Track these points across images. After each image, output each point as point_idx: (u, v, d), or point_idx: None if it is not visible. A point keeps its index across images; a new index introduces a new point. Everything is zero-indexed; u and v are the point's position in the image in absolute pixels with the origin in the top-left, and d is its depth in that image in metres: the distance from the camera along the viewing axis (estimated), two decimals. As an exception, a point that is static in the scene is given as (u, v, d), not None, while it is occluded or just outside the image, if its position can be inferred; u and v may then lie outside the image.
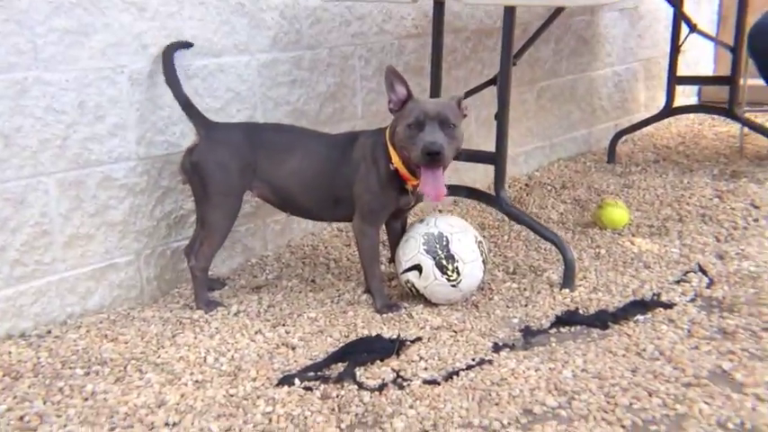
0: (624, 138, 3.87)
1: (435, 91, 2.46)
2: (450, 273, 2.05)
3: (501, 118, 2.29)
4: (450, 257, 2.05)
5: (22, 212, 1.90)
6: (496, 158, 2.30)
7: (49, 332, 1.95)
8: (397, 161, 2.00)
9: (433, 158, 1.89)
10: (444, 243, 2.06)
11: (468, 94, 2.53)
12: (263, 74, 2.36)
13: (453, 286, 2.07)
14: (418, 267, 2.06)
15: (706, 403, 1.61)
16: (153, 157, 2.14)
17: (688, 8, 3.63)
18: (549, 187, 3.24)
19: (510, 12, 2.18)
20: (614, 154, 3.67)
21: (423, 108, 1.92)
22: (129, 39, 2.03)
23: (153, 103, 2.11)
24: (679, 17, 3.51)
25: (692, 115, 4.47)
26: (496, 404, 1.63)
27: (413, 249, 2.08)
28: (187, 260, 2.11)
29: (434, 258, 2.05)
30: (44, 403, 1.60)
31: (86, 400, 1.63)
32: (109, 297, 2.11)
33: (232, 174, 2.03)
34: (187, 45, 2.14)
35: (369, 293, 2.17)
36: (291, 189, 2.08)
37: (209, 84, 2.23)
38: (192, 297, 2.12)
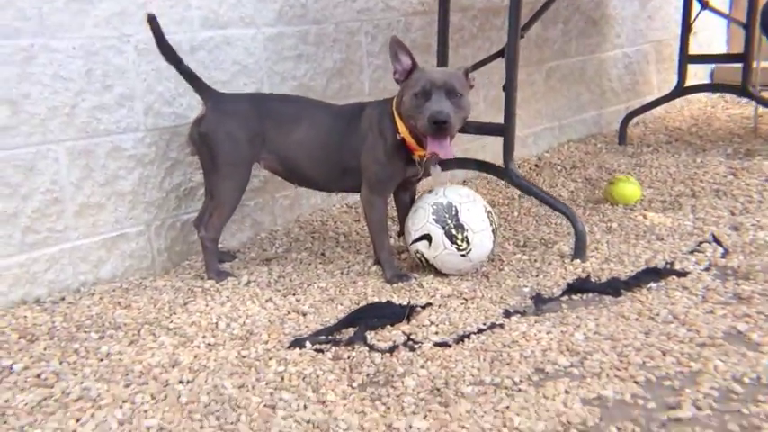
0: (635, 120, 3.84)
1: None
2: (459, 242, 2.04)
3: (509, 90, 2.27)
4: (460, 227, 2.04)
5: (32, 179, 1.91)
6: (505, 130, 2.29)
7: (63, 299, 1.96)
8: (403, 131, 1.99)
9: (440, 127, 1.88)
10: (453, 212, 2.05)
11: (476, 67, 2.51)
12: (269, 48, 2.36)
13: (463, 256, 2.05)
14: (428, 237, 2.05)
15: (721, 360, 1.59)
16: (161, 128, 2.14)
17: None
18: (560, 167, 3.22)
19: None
20: (625, 136, 3.64)
21: (429, 77, 1.91)
22: (134, 8, 2.04)
23: (160, 74, 2.12)
24: (689, -6, 3.48)
25: (704, 98, 4.44)
26: (508, 364, 1.61)
27: (422, 219, 2.06)
28: (197, 231, 2.10)
29: (444, 228, 2.04)
30: (60, 363, 1.62)
31: (101, 360, 1.64)
32: (121, 267, 2.11)
33: (241, 144, 2.02)
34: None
35: (378, 265, 2.16)
36: (299, 159, 2.07)
37: (215, 56, 2.23)
38: (203, 268, 2.12)
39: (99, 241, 2.06)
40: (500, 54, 2.39)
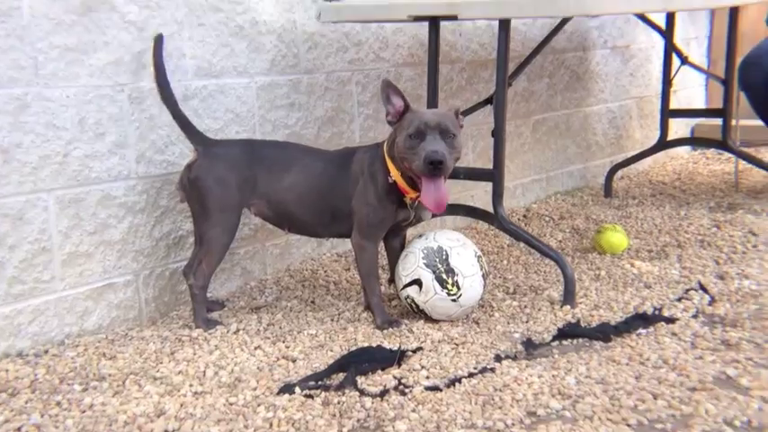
0: (620, 174, 3.90)
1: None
2: (450, 287, 2.04)
3: (497, 135, 2.31)
4: (450, 271, 2.05)
5: (21, 229, 1.91)
6: (494, 175, 2.32)
7: (47, 351, 1.93)
8: (395, 173, 2.01)
9: (436, 167, 1.89)
10: (444, 257, 2.06)
11: (465, 114, 2.56)
12: (261, 96, 2.40)
13: (453, 300, 2.06)
14: (418, 282, 2.05)
15: (711, 404, 1.58)
16: (152, 176, 2.16)
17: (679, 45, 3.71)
18: (548, 218, 3.26)
19: (505, 26, 2.23)
20: (611, 188, 3.69)
21: (423, 118, 1.94)
22: (129, 57, 2.07)
23: (152, 122, 2.14)
24: (670, 49, 3.58)
25: (686, 154, 4.53)
26: (500, 407, 1.60)
27: (412, 264, 2.07)
28: (186, 279, 2.10)
29: (434, 272, 2.04)
30: (41, 416, 1.58)
31: (84, 411, 1.61)
32: (107, 317, 2.09)
33: (231, 189, 2.03)
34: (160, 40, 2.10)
35: (369, 311, 2.15)
36: (289, 204, 2.08)
37: (208, 104, 2.27)
38: (191, 318, 2.10)
39: (86, 291, 2.04)
40: (488, 101, 2.45)
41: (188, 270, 2.10)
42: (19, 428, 1.53)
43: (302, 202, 2.08)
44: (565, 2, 2.10)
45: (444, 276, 2.04)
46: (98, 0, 2.00)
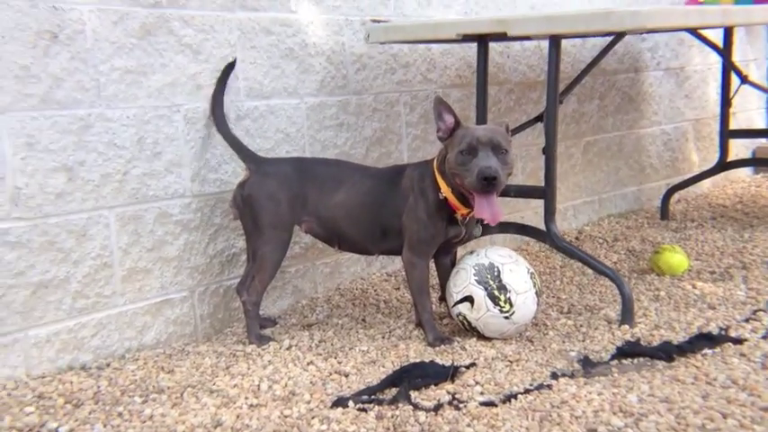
0: (677, 197, 3.80)
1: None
2: (502, 304, 2.01)
3: (549, 152, 2.29)
4: (503, 288, 2.01)
5: (84, 245, 1.96)
6: (546, 192, 2.29)
7: (108, 365, 1.97)
8: (446, 190, 2.00)
9: (490, 183, 1.88)
10: (496, 273, 2.03)
11: (515, 132, 2.55)
12: (311, 117, 2.43)
13: (506, 318, 2.02)
14: (470, 299, 2.03)
15: (786, 423, 1.51)
16: (206, 194, 2.20)
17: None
18: (601, 240, 3.19)
19: (555, 43, 2.21)
20: (667, 211, 3.60)
21: (474, 134, 1.93)
22: (185, 79, 2.13)
23: (207, 142, 2.19)
24: (729, 68, 3.49)
25: (747, 178, 4.40)
26: (558, 424, 1.55)
27: (464, 281, 2.05)
28: (239, 296, 2.11)
29: (486, 289, 2.01)
30: (104, 426, 1.61)
31: (144, 422, 1.63)
32: (164, 333, 2.12)
33: (282, 206, 2.06)
34: (231, 67, 2.19)
35: (420, 327, 2.13)
36: (340, 221, 2.09)
37: (259, 125, 2.31)
38: (245, 334, 2.12)
39: (144, 307, 2.08)
40: (539, 119, 2.43)
41: (241, 287, 2.12)
42: (82, 438, 1.56)
43: (352, 219, 2.08)
44: (619, 17, 2.06)
45: (497, 293, 2.01)
46: (156, 24, 2.07)
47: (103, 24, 1.97)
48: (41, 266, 1.88)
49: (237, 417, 1.62)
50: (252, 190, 2.06)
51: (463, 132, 1.96)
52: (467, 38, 2.33)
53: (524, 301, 2.03)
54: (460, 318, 2.06)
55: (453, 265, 2.17)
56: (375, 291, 2.54)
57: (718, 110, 3.64)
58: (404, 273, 2.17)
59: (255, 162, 2.11)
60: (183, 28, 2.13)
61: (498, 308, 2.01)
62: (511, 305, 2.01)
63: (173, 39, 2.11)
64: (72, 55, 1.92)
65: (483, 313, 2.02)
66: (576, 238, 3.23)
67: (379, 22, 2.52)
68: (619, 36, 2.36)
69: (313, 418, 1.60)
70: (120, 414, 1.66)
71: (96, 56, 1.96)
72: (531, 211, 3.15)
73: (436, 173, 2.02)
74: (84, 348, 1.97)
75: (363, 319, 2.28)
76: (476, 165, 1.89)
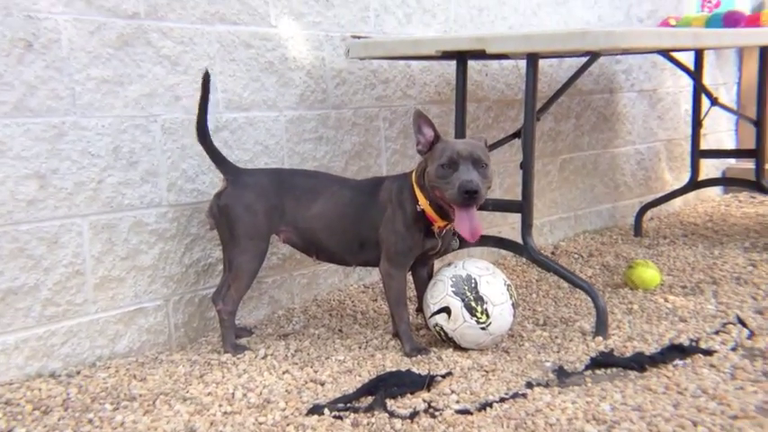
0: (650, 215, 3.86)
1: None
2: (479, 315, 2.02)
3: (526, 166, 2.32)
4: (480, 299, 2.03)
5: (55, 252, 1.94)
6: (523, 206, 2.31)
7: (79, 372, 1.94)
8: (423, 202, 2.01)
9: (471, 197, 1.89)
10: (473, 285, 2.04)
11: (493, 147, 2.58)
12: (290, 129, 2.44)
13: (483, 329, 2.03)
14: (447, 310, 2.03)
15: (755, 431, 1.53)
16: (183, 204, 2.19)
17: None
18: (576, 255, 3.22)
19: (533, 61, 2.25)
20: (641, 228, 3.65)
21: (455, 148, 1.95)
22: (163, 90, 2.13)
23: (184, 152, 2.19)
24: (699, 90, 3.57)
25: (717, 197, 4.48)
26: (533, 431, 1.56)
27: (441, 292, 2.06)
28: (215, 304, 2.10)
29: (463, 300, 2.02)
30: (73, 433, 1.59)
31: (115, 429, 1.61)
32: (137, 341, 2.10)
33: (259, 216, 2.06)
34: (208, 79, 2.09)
35: (397, 338, 2.13)
36: (317, 232, 2.10)
37: (237, 136, 2.31)
38: (220, 344, 2.10)
39: (117, 315, 2.06)
40: (516, 135, 2.46)
41: (217, 296, 2.11)
42: (50, 444, 1.54)
43: (330, 230, 2.09)
44: (593, 36, 2.11)
45: (473, 304, 2.02)
46: (134, 35, 2.07)
47: (80, 34, 1.97)
48: (10, 273, 1.86)
49: (211, 423, 1.61)
50: (229, 200, 2.05)
51: (443, 146, 1.97)
52: (446, 55, 2.37)
53: (501, 312, 2.05)
54: (437, 328, 2.07)
55: (430, 277, 2.18)
56: (352, 302, 2.54)
57: (689, 131, 3.71)
58: (381, 284, 2.17)
59: (233, 173, 2.10)
60: (162, 40, 2.13)
61: (475, 319, 2.02)
62: (488, 316, 2.02)
63: (151, 50, 2.11)
64: (47, 63, 1.91)
65: (460, 324, 2.03)
66: (552, 253, 3.26)
67: (359, 38, 2.55)
68: (594, 56, 2.41)
69: (288, 425, 1.59)
70: (90, 421, 1.64)
71: (72, 65, 1.95)
72: (507, 227, 3.18)
73: (415, 185, 2.04)
74: (53, 356, 1.94)
75: (340, 330, 2.27)
76: (457, 178, 1.90)
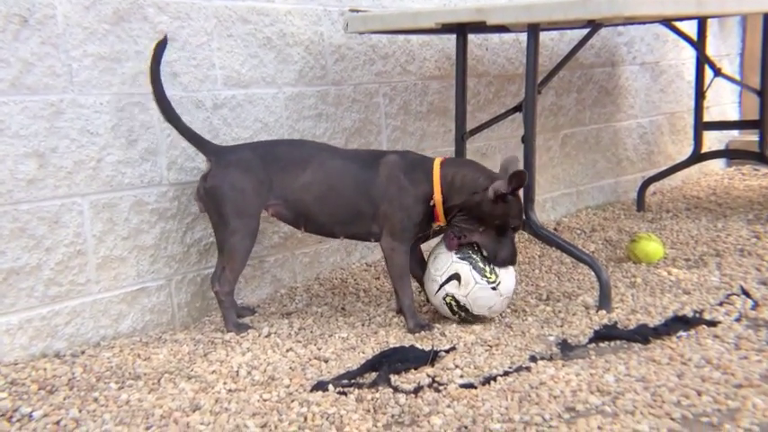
0: (652, 190, 3.84)
1: (461, 129, 2.48)
2: (488, 274, 2.03)
3: (528, 141, 2.30)
4: (485, 259, 2.04)
5: (56, 232, 1.93)
6: (525, 180, 2.29)
7: (83, 352, 1.94)
8: (438, 200, 2.03)
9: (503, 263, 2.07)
10: (476, 248, 2.06)
11: (494, 122, 2.56)
12: (289, 106, 2.42)
13: (494, 288, 2.03)
14: (456, 276, 2.03)
15: (760, 399, 1.53)
16: (183, 183, 2.18)
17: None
18: (579, 231, 3.21)
19: (534, 32, 2.22)
20: (643, 202, 3.63)
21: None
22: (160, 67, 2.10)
23: (184, 130, 2.17)
24: (703, 61, 3.53)
25: (720, 170, 4.46)
26: (536, 403, 1.56)
27: (446, 261, 2.05)
28: (212, 287, 2.08)
29: (471, 263, 2.04)
30: (79, 411, 1.59)
31: (121, 407, 1.61)
32: (141, 321, 2.10)
33: (247, 194, 2.02)
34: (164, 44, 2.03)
35: (400, 315, 2.13)
36: (308, 204, 2.06)
37: (237, 114, 2.29)
38: (223, 323, 2.10)
39: (120, 295, 2.06)
40: (517, 109, 2.43)
41: (214, 278, 2.09)
42: (58, 422, 1.54)
43: (320, 201, 2.05)
44: (596, 4, 2.07)
45: (481, 265, 2.03)
46: (130, 10, 2.05)
47: (75, 9, 1.94)
48: (12, 253, 1.85)
49: (216, 401, 1.61)
50: (215, 181, 2.01)
51: (519, 207, 2.07)
52: (446, 28, 2.34)
53: (506, 272, 2.07)
54: (448, 299, 2.06)
55: (422, 258, 2.19)
56: (355, 280, 2.54)
57: (692, 104, 3.68)
58: (383, 261, 2.16)
59: (215, 152, 2.05)
60: (158, 15, 2.11)
61: (485, 279, 2.03)
62: (496, 275, 2.04)
63: (147, 25, 2.08)
64: (42, 40, 1.89)
65: (471, 287, 2.03)
66: (555, 229, 3.25)
67: (357, 11, 2.51)
68: (596, 27, 2.37)
69: (293, 401, 1.59)
70: (95, 399, 1.64)
71: (68, 41, 1.93)
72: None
73: (438, 178, 2.03)
74: (57, 336, 1.94)
75: (343, 308, 2.27)
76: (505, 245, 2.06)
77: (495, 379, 1.68)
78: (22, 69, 1.86)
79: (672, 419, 1.48)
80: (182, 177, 2.17)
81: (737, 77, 4.64)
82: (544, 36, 3.20)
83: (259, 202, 2.04)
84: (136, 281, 2.08)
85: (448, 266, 2.05)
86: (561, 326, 2.07)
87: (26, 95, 1.87)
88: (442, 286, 2.05)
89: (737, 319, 2.05)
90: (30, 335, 1.90)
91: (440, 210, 2.03)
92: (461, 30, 2.39)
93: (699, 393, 1.58)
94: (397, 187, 2.04)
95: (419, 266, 2.16)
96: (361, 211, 2.06)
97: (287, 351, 1.91)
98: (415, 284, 2.16)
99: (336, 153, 2.14)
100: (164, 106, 2.02)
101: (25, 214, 1.88)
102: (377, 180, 2.05)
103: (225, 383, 1.70)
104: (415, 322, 2.04)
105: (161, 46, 2.02)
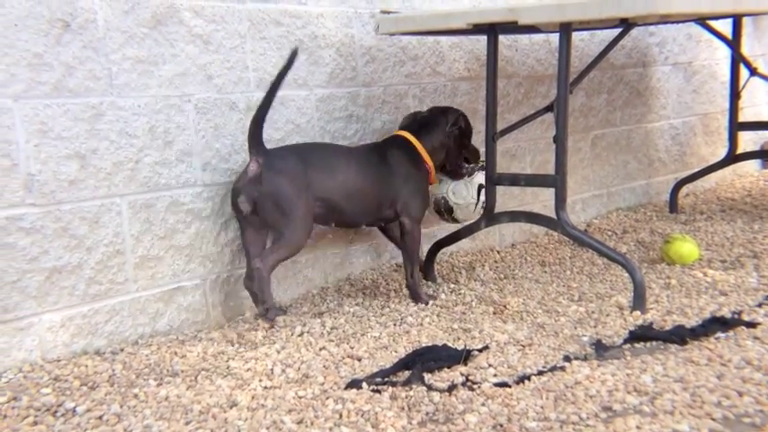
0: (685, 191, 3.79)
1: (491, 130, 2.49)
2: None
3: (559, 140, 2.29)
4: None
5: (97, 232, 1.97)
6: (557, 180, 2.29)
7: (122, 350, 1.98)
8: (431, 165, 2.41)
9: None
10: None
11: (524, 122, 2.56)
12: (320, 108, 2.44)
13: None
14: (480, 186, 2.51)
15: (803, 400, 1.51)
16: (217, 183, 2.20)
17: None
18: (610, 232, 3.19)
19: (566, 31, 2.22)
20: (676, 204, 3.59)
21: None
22: (195, 69, 2.14)
23: (217, 132, 2.20)
24: (738, 60, 3.48)
25: (755, 173, 4.39)
26: (573, 402, 1.56)
27: (464, 186, 2.53)
28: (253, 264, 2.09)
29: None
30: (120, 407, 1.62)
31: (160, 402, 1.64)
32: (177, 319, 2.13)
33: (302, 194, 2.13)
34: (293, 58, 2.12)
35: (408, 289, 2.37)
36: (341, 201, 2.23)
37: (269, 115, 2.29)
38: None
39: (157, 294, 2.09)
40: (549, 109, 2.42)
41: (249, 278, 2.12)
42: (101, 417, 1.57)
43: (350, 197, 2.24)
44: (630, 2, 2.05)
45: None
46: (167, 14, 2.08)
47: (115, 14, 1.98)
48: (55, 252, 1.89)
49: (252, 397, 1.63)
50: (273, 185, 2.09)
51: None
52: (477, 28, 2.34)
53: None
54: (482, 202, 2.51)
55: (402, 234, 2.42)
56: (385, 281, 2.55)
57: (726, 104, 3.62)
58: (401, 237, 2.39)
59: (264, 155, 2.11)
60: (194, 18, 2.14)
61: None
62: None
63: (183, 29, 2.12)
64: (84, 44, 1.93)
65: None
66: (586, 231, 3.23)
67: (388, 13, 2.53)
68: (628, 27, 2.36)
69: (327, 398, 1.60)
70: (135, 395, 1.67)
71: (108, 45, 1.97)
72: (539, 204, 3.14)
73: (423, 152, 2.38)
74: (98, 333, 1.98)
75: (374, 308, 2.28)
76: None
77: (529, 378, 1.68)
78: (64, 73, 1.90)
79: (713, 420, 1.46)
80: (216, 178, 2.20)
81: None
82: (574, 37, 3.17)
83: (308, 202, 2.15)
84: (172, 280, 2.12)
85: (469, 188, 2.51)
86: (595, 326, 2.06)
87: (68, 98, 1.91)
88: (477, 199, 2.51)
89: (777, 321, 2.02)
90: (71, 332, 1.93)
91: (433, 173, 2.41)
92: (492, 30, 2.39)
93: (740, 394, 1.56)
94: (406, 174, 2.33)
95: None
96: (385, 199, 2.32)
97: (320, 350, 1.92)
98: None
99: (353, 151, 2.34)
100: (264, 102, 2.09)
101: (67, 214, 1.91)
102: (390, 169, 2.32)
103: (260, 381, 1.72)
104: (425, 293, 2.36)
105: (294, 55, 2.10)
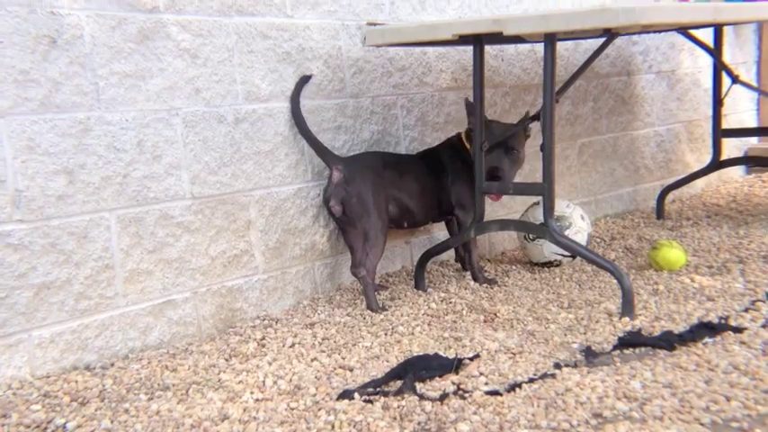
0: (671, 198, 3.83)
1: (479, 139, 2.50)
2: None
3: (547, 149, 2.31)
4: None
5: (85, 247, 1.96)
6: (545, 188, 2.31)
7: (113, 364, 1.97)
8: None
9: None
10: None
11: (512, 130, 2.57)
12: (309, 120, 2.45)
13: None
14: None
15: (790, 404, 1.53)
16: (206, 196, 2.21)
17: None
18: (598, 239, 3.21)
19: (550, 41, 2.24)
20: (663, 210, 3.62)
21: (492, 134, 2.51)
22: (183, 83, 2.15)
23: (206, 145, 2.20)
24: (720, 68, 3.52)
25: (739, 178, 4.43)
26: (563, 410, 1.57)
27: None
28: (357, 273, 2.39)
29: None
30: (111, 422, 1.61)
31: (151, 417, 1.63)
32: (168, 333, 2.13)
33: (381, 194, 2.41)
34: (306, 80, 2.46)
35: (472, 272, 2.61)
36: (410, 203, 2.51)
37: (257, 128, 2.33)
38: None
39: (147, 308, 2.09)
40: (535, 118, 2.45)
41: (355, 266, 2.41)
42: (91, 432, 1.57)
43: (417, 199, 2.52)
44: (613, 13, 2.09)
45: None
46: (154, 29, 2.09)
47: (102, 29, 1.99)
48: (43, 268, 1.89)
49: (244, 410, 1.63)
50: (360, 187, 2.37)
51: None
52: (463, 39, 2.36)
53: None
54: None
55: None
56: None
57: (709, 112, 3.67)
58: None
59: (342, 162, 2.39)
60: (181, 33, 2.15)
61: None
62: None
63: (171, 43, 2.13)
64: (71, 59, 1.93)
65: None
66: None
67: (375, 25, 2.55)
68: (612, 36, 2.39)
69: (320, 409, 1.61)
70: (126, 410, 1.66)
71: (95, 60, 1.97)
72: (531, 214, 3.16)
73: (466, 143, 2.57)
74: (87, 349, 1.97)
75: (365, 318, 2.29)
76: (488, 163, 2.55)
77: (520, 386, 1.69)
78: (51, 89, 1.90)
79: (701, 425, 1.47)
80: (204, 191, 2.20)
81: (755, 84, 4.62)
82: (559, 46, 3.21)
83: (386, 200, 2.44)
84: (162, 294, 2.11)
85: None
86: (584, 333, 2.07)
87: (55, 114, 1.91)
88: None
89: (764, 326, 2.04)
90: (61, 348, 1.92)
91: None
92: (478, 40, 2.42)
93: (728, 399, 1.58)
94: (455, 173, 2.57)
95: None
96: (442, 197, 2.59)
97: (312, 360, 1.92)
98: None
99: (413, 158, 2.65)
100: (298, 121, 2.40)
101: (56, 230, 1.91)
102: (444, 170, 2.57)
103: (252, 393, 1.72)
104: (483, 276, 2.60)
105: (304, 80, 2.44)
